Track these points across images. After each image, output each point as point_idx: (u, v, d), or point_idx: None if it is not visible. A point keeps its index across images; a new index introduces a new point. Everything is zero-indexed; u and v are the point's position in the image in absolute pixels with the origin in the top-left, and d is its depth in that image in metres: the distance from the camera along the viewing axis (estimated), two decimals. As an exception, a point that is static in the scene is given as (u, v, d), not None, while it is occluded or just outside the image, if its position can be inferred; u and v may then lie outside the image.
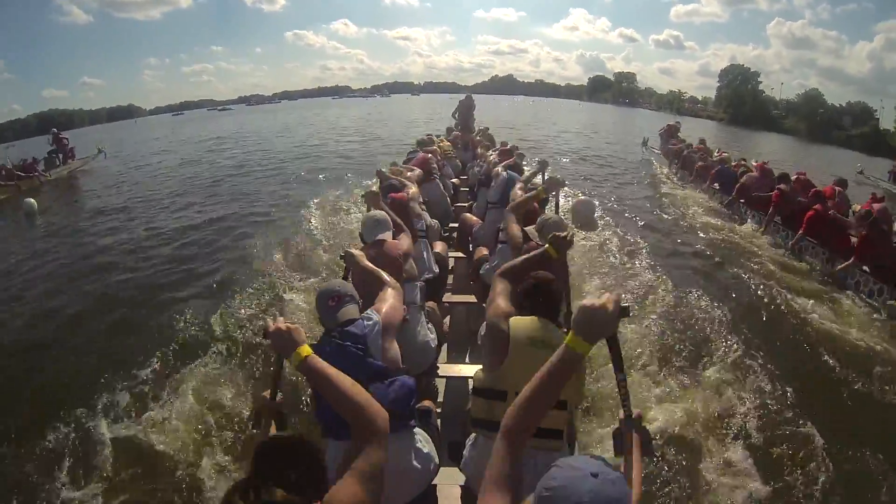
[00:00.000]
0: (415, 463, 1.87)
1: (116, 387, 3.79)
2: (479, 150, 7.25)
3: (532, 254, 2.35)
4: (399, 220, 3.18)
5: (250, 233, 7.90)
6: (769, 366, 3.99)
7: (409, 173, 4.66)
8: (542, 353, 1.74)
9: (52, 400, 3.70)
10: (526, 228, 3.04)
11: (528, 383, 1.15)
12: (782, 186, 7.01)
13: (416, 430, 1.94)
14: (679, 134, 14.61)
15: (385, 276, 2.26)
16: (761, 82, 59.10)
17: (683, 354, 4.21)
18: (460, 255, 4.73)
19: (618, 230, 7.64)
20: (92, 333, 4.94)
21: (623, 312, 1.17)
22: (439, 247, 4.09)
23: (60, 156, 17.39)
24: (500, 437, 1.12)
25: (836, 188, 7.14)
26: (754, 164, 9.41)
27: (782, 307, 5.09)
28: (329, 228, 7.54)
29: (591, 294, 4.45)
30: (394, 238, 2.97)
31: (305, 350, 1.37)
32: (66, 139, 18.29)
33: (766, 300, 5.27)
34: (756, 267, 6.18)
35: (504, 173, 4.38)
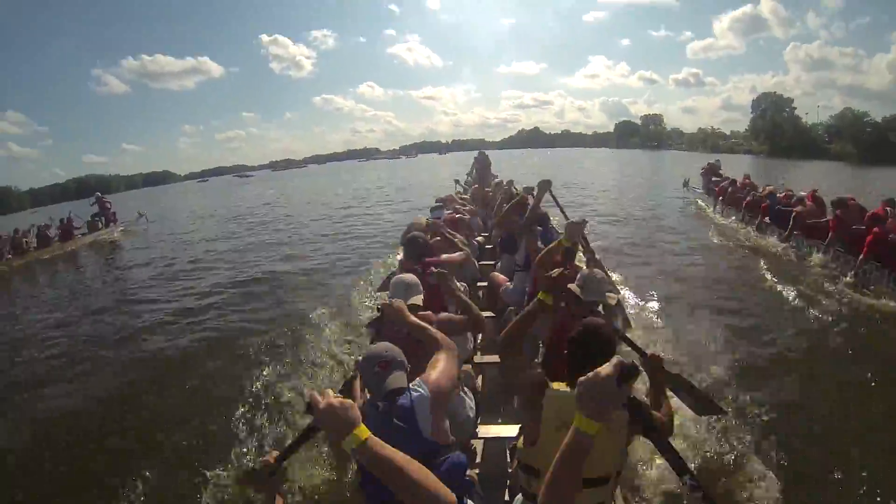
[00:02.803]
0: None
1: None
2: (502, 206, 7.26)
3: (525, 310, 2.32)
4: (453, 239, 3.34)
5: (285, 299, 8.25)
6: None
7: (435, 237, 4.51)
8: None
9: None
10: (569, 286, 2.88)
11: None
12: (839, 212, 7.27)
13: None
14: (720, 172, 15.02)
15: (437, 333, 2.15)
16: (795, 108, 58.05)
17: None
18: (490, 314, 4.70)
19: (671, 283, 7.66)
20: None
21: (626, 377, 1.09)
22: None
23: (103, 219, 18.97)
24: None
25: (888, 208, 7.17)
26: (802, 193, 9.71)
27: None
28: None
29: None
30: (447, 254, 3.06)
31: (364, 432, 1.24)
32: (109, 203, 19.99)
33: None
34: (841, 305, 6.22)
35: (534, 229, 4.31)
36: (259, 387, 4.87)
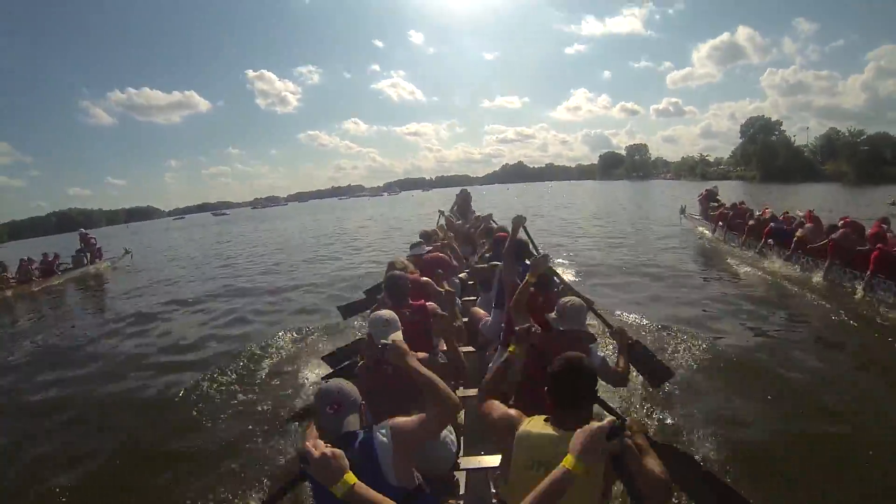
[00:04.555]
0: None
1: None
2: (481, 241, 7.46)
3: (498, 364, 2.45)
4: (433, 285, 3.42)
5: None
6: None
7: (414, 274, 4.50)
8: (543, 477, 1.75)
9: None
10: (547, 316, 3.02)
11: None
12: (834, 236, 7.96)
13: None
14: (718, 197, 15.64)
15: (439, 384, 1.98)
16: (784, 131, 59.95)
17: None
18: (471, 349, 4.83)
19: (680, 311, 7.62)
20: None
21: (612, 434, 1.46)
22: None
23: (88, 255, 18.93)
24: None
25: (883, 225, 7.93)
26: (799, 213, 10.38)
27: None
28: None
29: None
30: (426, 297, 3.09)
31: (351, 478, 1.41)
32: (94, 239, 20.03)
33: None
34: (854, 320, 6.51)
35: (496, 268, 4.66)
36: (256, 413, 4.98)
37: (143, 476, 4.17)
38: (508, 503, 1.90)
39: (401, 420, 1.91)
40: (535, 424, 1.92)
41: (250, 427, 4.71)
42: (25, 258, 16.27)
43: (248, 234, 36.04)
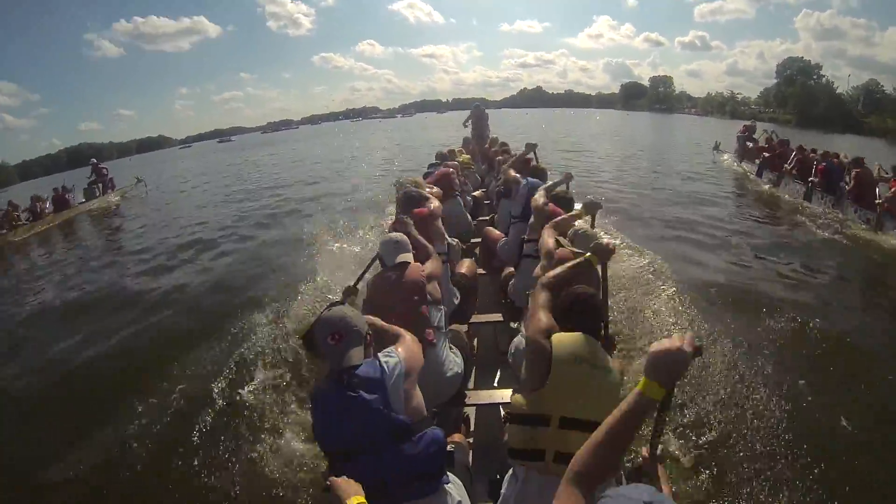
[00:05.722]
0: None
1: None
2: (498, 159, 7.19)
3: (575, 261, 2.39)
4: (423, 240, 3.15)
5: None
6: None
7: (428, 190, 4.50)
8: (588, 372, 1.86)
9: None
10: (559, 239, 3.08)
11: (594, 404, 1.28)
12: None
13: (448, 485, 1.83)
14: (755, 136, 14.73)
15: (401, 330, 2.07)
16: (824, 76, 56.86)
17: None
18: (483, 272, 4.72)
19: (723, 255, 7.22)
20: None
21: (697, 352, 1.19)
22: (466, 265, 4.11)
23: (100, 185, 18.81)
24: (568, 483, 1.10)
25: None
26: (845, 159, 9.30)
27: None
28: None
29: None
30: (416, 260, 2.92)
31: (357, 500, 1.43)
32: (106, 169, 19.81)
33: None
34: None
35: (524, 181, 4.47)
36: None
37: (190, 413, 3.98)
38: (544, 413, 1.84)
39: (397, 345, 1.91)
40: (563, 333, 1.98)
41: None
42: (36, 195, 15.75)
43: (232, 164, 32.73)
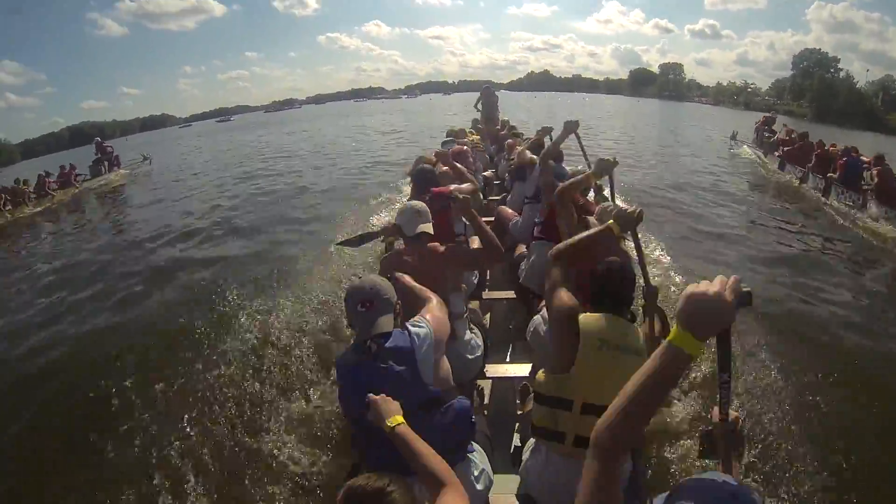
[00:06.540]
0: (477, 487, 1.82)
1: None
2: (508, 142, 7.15)
3: (592, 231, 2.16)
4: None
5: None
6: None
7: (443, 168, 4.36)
8: (615, 358, 1.79)
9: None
10: (588, 218, 3.00)
11: (619, 391, 1.00)
12: None
13: (472, 453, 1.86)
14: (774, 128, 14.62)
15: (429, 293, 2.08)
16: (842, 69, 55.99)
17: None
18: None
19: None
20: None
21: (744, 300, 0.97)
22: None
23: (106, 163, 18.79)
24: (593, 457, 0.99)
25: None
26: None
27: None
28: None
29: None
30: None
31: (396, 420, 1.45)
32: (111, 147, 19.90)
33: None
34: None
35: (550, 164, 4.04)
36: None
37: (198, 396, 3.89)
38: (568, 396, 1.82)
39: (424, 312, 1.90)
40: (589, 315, 1.89)
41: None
42: (43, 172, 15.75)
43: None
